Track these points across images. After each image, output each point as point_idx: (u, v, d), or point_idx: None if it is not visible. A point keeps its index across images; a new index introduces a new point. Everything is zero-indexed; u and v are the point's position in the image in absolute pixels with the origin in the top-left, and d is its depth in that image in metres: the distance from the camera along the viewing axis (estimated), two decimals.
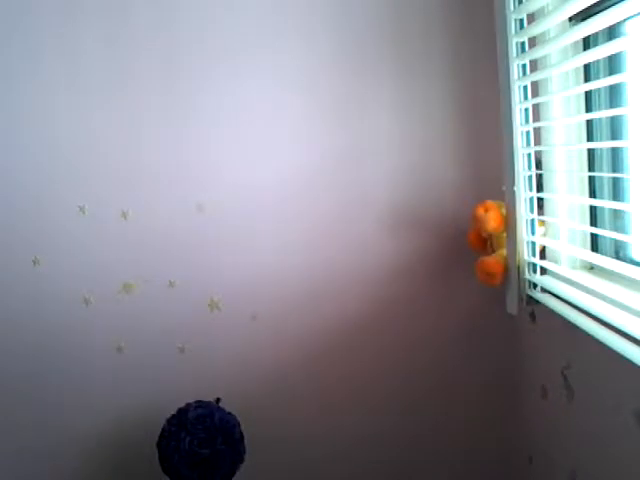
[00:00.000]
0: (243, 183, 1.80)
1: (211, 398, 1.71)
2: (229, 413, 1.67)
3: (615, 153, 1.42)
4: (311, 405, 1.87)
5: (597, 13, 1.24)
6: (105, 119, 1.75)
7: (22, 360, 1.79)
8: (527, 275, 1.55)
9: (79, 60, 1.73)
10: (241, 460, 1.67)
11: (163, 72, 1.75)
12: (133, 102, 1.75)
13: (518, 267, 1.57)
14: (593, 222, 1.48)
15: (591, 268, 1.49)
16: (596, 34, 1.35)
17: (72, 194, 1.76)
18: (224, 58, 1.76)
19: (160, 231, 1.79)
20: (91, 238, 1.78)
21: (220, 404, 1.70)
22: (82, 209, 1.77)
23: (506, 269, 1.62)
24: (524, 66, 1.49)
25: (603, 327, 1.21)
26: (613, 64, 1.38)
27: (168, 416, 1.66)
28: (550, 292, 1.47)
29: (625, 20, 1.22)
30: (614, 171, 1.43)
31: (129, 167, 1.77)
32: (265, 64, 1.77)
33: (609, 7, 1.16)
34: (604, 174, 1.44)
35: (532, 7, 1.43)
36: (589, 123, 1.46)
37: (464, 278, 1.80)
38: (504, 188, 1.62)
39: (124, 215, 1.78)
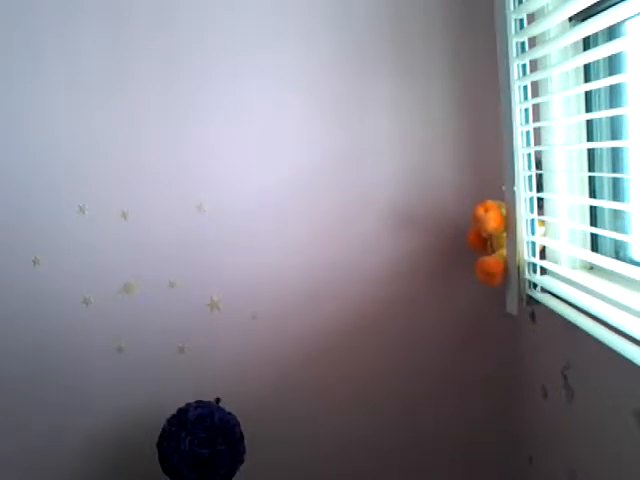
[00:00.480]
0: (243, 183, 1.80)
1: (211, 398, 1.71)
2: (229, 413, 1.67)
3: (615, 153, 1.42)
4: (311, 405, 1.87)
5: (597, 13, 1.24)
6: (105, 119, 1.75)
7: (22, 360, 1.79)
8: (527, 275, 1.55)
9: (79, 60, 1.73)
10: (241, 460, 1.67)
11: (163, 72, 1.75)
12: (133, 102, 1.75)
13: (518, 267, 1.57)
14: (593, 222, 1.48)
15: (591, 268, 1.49)
16: (596, 34, 1.35)
17: (72, 194, 1.76)
18: (224, 58, 1.76)
19: (160, 231, 1.79)
20: (91, 238, 1.78)
21: (220, 404, 1.70)
22: (82, 209, 1.77)
23: (506, 269, 1.62)
24: (524, 66, 1.49)
25: (603, 327, 1.21)
26: (613, 64, 1.38)
27: (168, 416, 1.66)
28: (550, 292, 1.47)
29: (625, 20, 1.22)
30: (614, 171, 1.43)
31: (129, 167, 1.77)
32: (265, 64, 1.76)
33: (609, 7, 1.16)
34: (604, 174, 1.44)
35: (532, 7, 1.43)
36: (589, 123, 1.47)
37: (464, 278, 1.80)
38: (504, 188, 1.62)
39: (124, 215, 1.78)
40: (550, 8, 1.39)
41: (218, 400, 1.71)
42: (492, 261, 1.63)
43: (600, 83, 1.29)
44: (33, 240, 1.76)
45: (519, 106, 1.50)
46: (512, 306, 1.63)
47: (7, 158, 1.74)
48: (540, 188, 1.54)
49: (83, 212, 1.77)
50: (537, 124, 1.51)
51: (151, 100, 1.75)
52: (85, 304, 1.79)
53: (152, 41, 1.73)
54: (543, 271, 1.54)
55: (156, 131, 1.76)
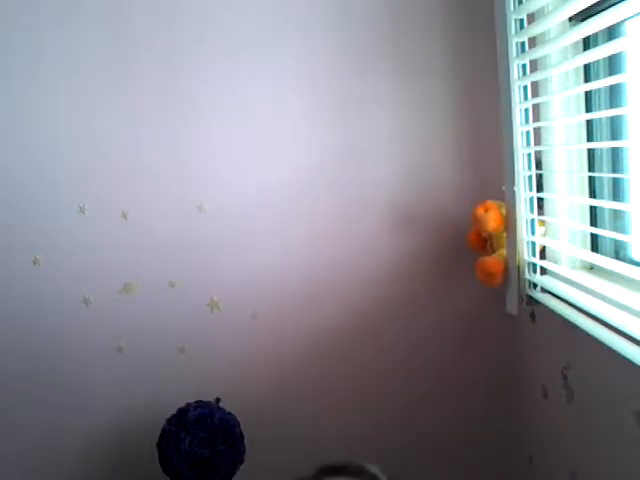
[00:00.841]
0: (243, 183, 1.80)
1: (211, 398, 1.71)
2: (229, 413, 1.67)
3: (615, 153, 1.42)
4: (311, 405, 1.87)
5: (597, 13, 1.24)
6: (105, 119, 1.75)
7: (22, 360, 1.79)
8: (527, 275, 1.56)
9: (79, 60, 1.73)
10: (241, 460, 1.67)
11: (163, 72, 1.75)
12: (133, 102, 1.75)
13: (518, 267, 1.57)
14: (593, 222, 1.48)
15: (591, 268, 1.49)
16: (596, 34, 1.35)
17: (72, 194, 1.76)
18: (224, 58, 1.76)
19: (160, 231, 1.79)
20: (91, 238, 1.78)
21: (220, 404, 1.70)
22: (82, 209, 1.77)
23: (506, 269, 1.62)
24: (524, 66, 1.49)
25: (603, 327, 1.22)
26: (613, 64, 1.38)
27: (168, 416, 1.66)
28: (550, 292, 1.47)
29: (625, 20, 1.22)
30: (614, 171, 1.43)
31: (129, 167, 1.77)
32: (265, 64, 1.76)
33: (609, 7, 1.16)
34: (604, 174, 1.44)
35: (532, 7, 1.43)
36: (589, 123, 1.47)
37: (464, 278, 1.80)
38: (504, 188, 1.62)
39: (124, 215, 1.78)
40: (550, 8, 1.39)
41: (218, 400, 1.71)
42: (492, 261, 1.63)
43: (600, 83, 1.29)
44: (33, 240, 1.76)
45: (519, 106, 1.50)
46: (512, 306, 1.63)
47: (7, 158, 1.74)
48: (540, 188, 1.54)
49: (83, 212, 1.77)
50: (537, 124, 1.51)
51: (151, 100, 1.75)
52: (85, 304, 1.79)
53: (152, 41, 1.73)
54: (543, 271, 1.54)
55: (156, 131, 1.76)
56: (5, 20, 1.70)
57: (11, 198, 1.75)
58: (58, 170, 1.75)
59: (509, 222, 1.60)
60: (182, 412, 1.64)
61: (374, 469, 1.10)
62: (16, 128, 1.74)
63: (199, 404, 1.65)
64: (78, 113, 1.74)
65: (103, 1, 1.72)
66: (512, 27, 1.48)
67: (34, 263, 1.77)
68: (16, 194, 1.75)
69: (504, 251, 1.65)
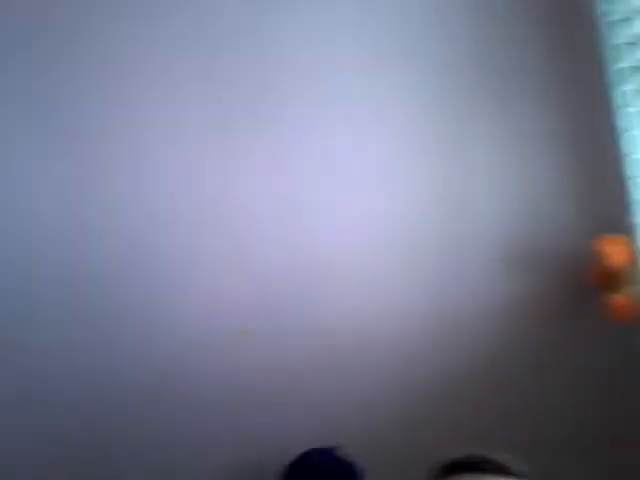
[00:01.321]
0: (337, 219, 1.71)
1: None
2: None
3: None
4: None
5: None
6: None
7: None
8: None
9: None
10: None
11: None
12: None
13: None
14: None
15: None
16: None
17: None
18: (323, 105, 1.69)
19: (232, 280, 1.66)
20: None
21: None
22: None
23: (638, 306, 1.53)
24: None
25: None
26: None
27: (276, 465, 1.54)
28: None
29: None
30: None
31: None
32: (369, 107, 1.70)
33: None
34: None
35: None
36: None
37: (591, 320, 1.68)
38: (630, 219, 1.56)
39: None
40: None
41: (337, 446, 1.56)
42: (621, 299, 1.54)
43: None
44: None
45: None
46: None
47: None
48: None
49: None
50: None
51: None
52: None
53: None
54: None
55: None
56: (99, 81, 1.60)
57: None
58: None
59: (638, 256, 1.53)
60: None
61: (502, 458, 0.97)
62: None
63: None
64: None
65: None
66: (622, 51, 1.48)
67: None
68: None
69: (635, 287, 1.56)
